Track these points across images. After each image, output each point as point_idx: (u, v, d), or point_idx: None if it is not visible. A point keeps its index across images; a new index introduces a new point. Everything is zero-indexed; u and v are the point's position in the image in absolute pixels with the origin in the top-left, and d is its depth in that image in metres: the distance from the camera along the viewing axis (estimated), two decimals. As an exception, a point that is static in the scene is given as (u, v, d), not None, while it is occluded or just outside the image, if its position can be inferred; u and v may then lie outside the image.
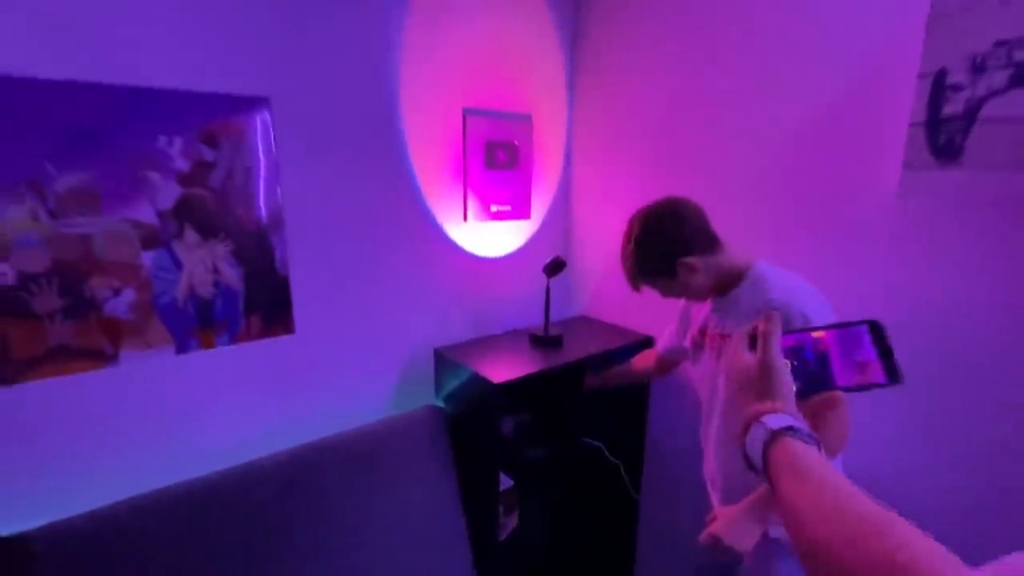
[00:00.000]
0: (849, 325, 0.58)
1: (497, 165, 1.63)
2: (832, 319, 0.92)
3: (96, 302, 1.07)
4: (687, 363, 1.29)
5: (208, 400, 1.24)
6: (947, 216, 1.03)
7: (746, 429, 0.55)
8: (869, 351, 0.56)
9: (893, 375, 0.54)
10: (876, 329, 0.56)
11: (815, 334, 0.59)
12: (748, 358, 0.59)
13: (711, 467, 1.19)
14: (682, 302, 1.26)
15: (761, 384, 0.56)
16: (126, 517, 1.05)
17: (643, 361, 1.44)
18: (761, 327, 0.58)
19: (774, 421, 0.52)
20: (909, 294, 1.08)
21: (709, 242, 1.05)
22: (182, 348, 1.20)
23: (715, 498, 1.18)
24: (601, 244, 1.79)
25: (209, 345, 1.23)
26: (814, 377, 0.57)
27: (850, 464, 1.06)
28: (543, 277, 1.57)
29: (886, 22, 1.06)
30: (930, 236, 1.06)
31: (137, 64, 1.04)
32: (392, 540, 1.32)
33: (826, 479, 0.45)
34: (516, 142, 1.67)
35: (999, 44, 0.92)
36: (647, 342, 1.60)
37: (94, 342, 1.09)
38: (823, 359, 0.57)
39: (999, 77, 0.92)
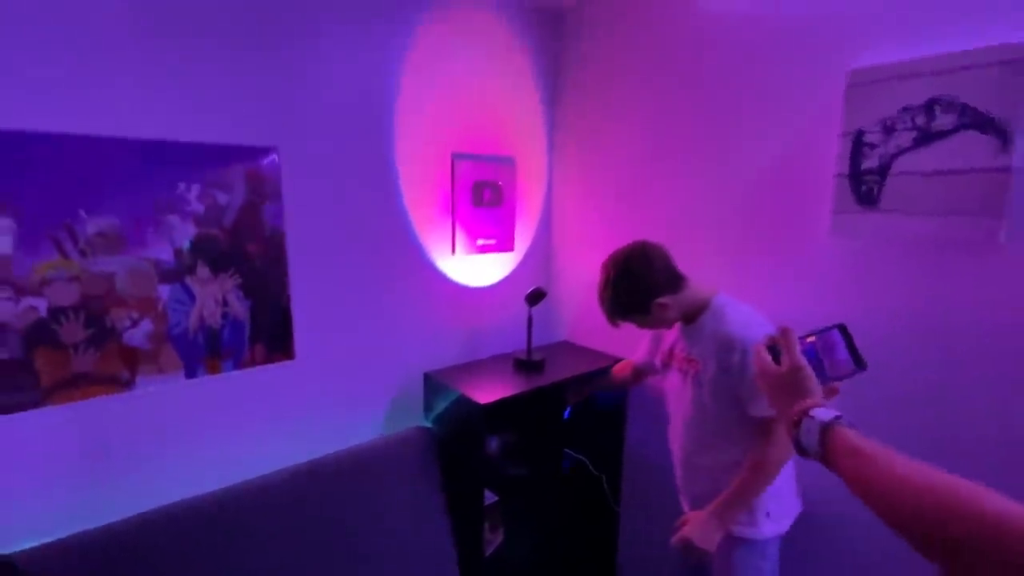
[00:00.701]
0: (827, 330, 0.72)
1: (483, 203, 1.78)
2: None
3: (116, 332, 1.18)
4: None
5: (214, 421, 1.34)
6: (868, 250, 1.19)
7: (795, 424, 0.63)
8: (842, 348, 0.70)
9: (860, 363, 0.69)
10: (844, 330, 0.71)
11: (808, 339, 0.72)
12: (777, 366, 0.70)
13: (679, 476, 1.30)
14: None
15: (795, 384, 0.67)
16: (136, 531, 1.13)
17: (622, 371, 1.58)
18: (783, 339, 0.69)
19: (823, 414, 0.61)
20: (838, 309, 1.23)
21: (675, 281, 1.18)
22: (191, 373, 1.30)
23: (686, 504, 1.30)
24: (579, 274, 1.93)
25: (216, 371, 1.34)
26: (817, 373, 0.69)
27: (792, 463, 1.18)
28: (527, 305, 1.70)
29: (815, 91, 1.24)
30: (854, 265, 1.21)
31: (160, 121, 1.18)
32: (383, 554, 1.41)
33: (890, 457, 0.53)
34: (501, 182, 1.82)
35: (904, 110, 1.09)
36: (623, 365, 1.73)
37: (113, 368, 1.19)
38: (818, 358, 0.70)
39: (905, 137, 1.09)
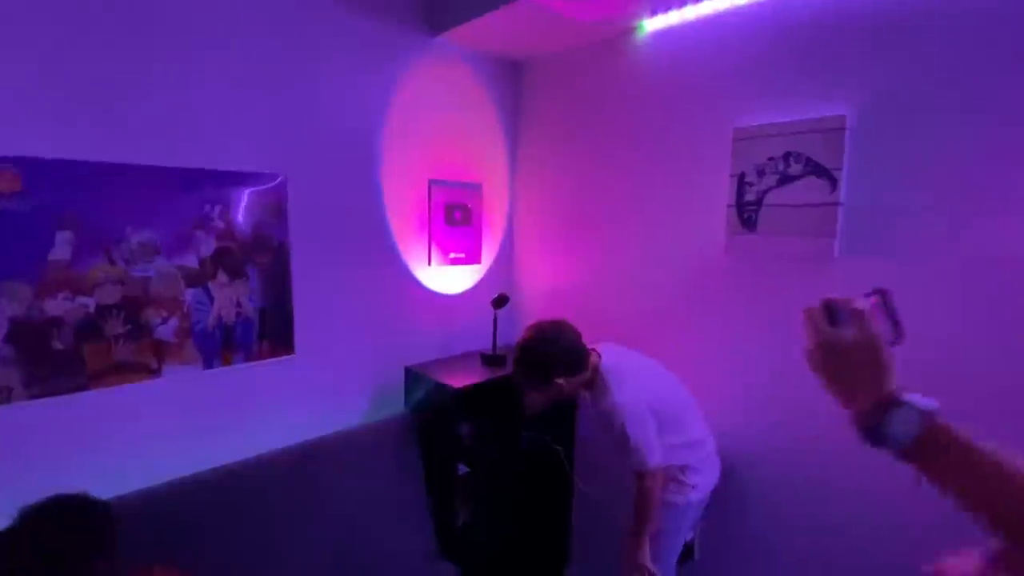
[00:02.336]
0: (870, 295, 0.64)
1: (455, 222, 2.09)
2: (665, 394, 1.45)
3: (149, 327, 1.41)
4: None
5: (226, 406, 1.57)
6: (752, 262, 1.57)
7: (881, 408, 0.53)
8: (881, 318, 0.62)
9: (900, 335, 0.61)
10: (884, 297, 0.62)
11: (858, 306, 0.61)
12: (846, 334, 0.58)
13: None
14: None
15: (872, 358, 0.56)
16: (166, 495, 1.35)
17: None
18: (856, 305, 0.59)
19: (921, 400, 0.52)
20: (731, 308, 1.61)
21: (576, 364, 1.41)
22: (208, 365, 1.53)
23: None
24: (536, 283, 2.26)
25: (229, 363, 1.57)
26: None
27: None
28: (492, 309, 2.00)
29: (712, 142, 1.62)
30: (741, 273, 1.59)
31: (203, 152, 1.43)
32: (370, 522, 1.65)
33: (999, 451, 0.49)
34: (470, 204, 2.14)
35: (770, 159, 1.48)
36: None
37: (145, 359, 1.41)
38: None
39: (771, 179, 1.49)
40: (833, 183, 1.37)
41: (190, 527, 1.34)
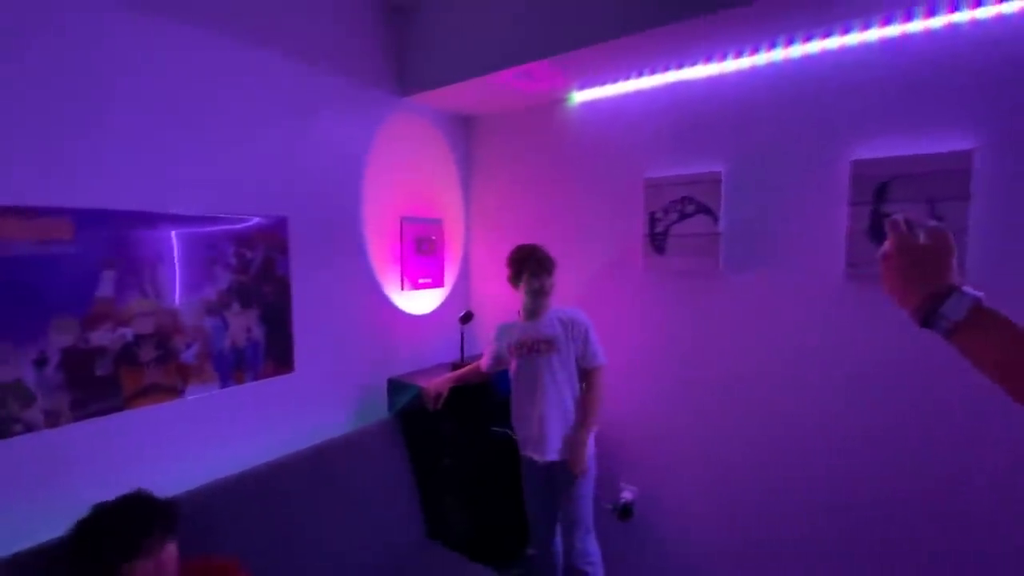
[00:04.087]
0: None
1: (423, 252, 2.43)
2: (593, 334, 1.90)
3: (175, 353, 1.61)
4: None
5: (239, 419, 1.77)
6: (661, 278, 2.09)
7: (941, 296, 0.65)
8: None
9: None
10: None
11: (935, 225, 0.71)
12: (926, 244, 0.69)
13: (540, 428, 1.89)
14: (493, 344, 2.05)
15: (940, 258, 0.68)
16: (201, 498, 1.54)
17: (475, 372, 2.12)
18: (932, 222, 0.71)
19: (972, 291, 0.64)
20: (649, 312, 2.11)
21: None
22: (224, 384, 1.74)
23: (542, 450, 1.91)
24: (490, 303, 2.64)
25: (241, 381, 1.78)
26: None
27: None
28: (457, 326, 2.35)
29: (631, 189, 2.13)
30: (656, 285, 2.10)
31: (220, 203, 1.67)
32: (370, 511, 1.91)
33: None
34: (434, 237, 2.49)
35: (672, 202, 2.02)
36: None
37: (172, 381, 1.60)
38: None
39: (674, 216, 2.02)
40: (715, 219, 1.92)
41: (225, 524, 1.54)
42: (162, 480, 1.54)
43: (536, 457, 1.92)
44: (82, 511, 1.18)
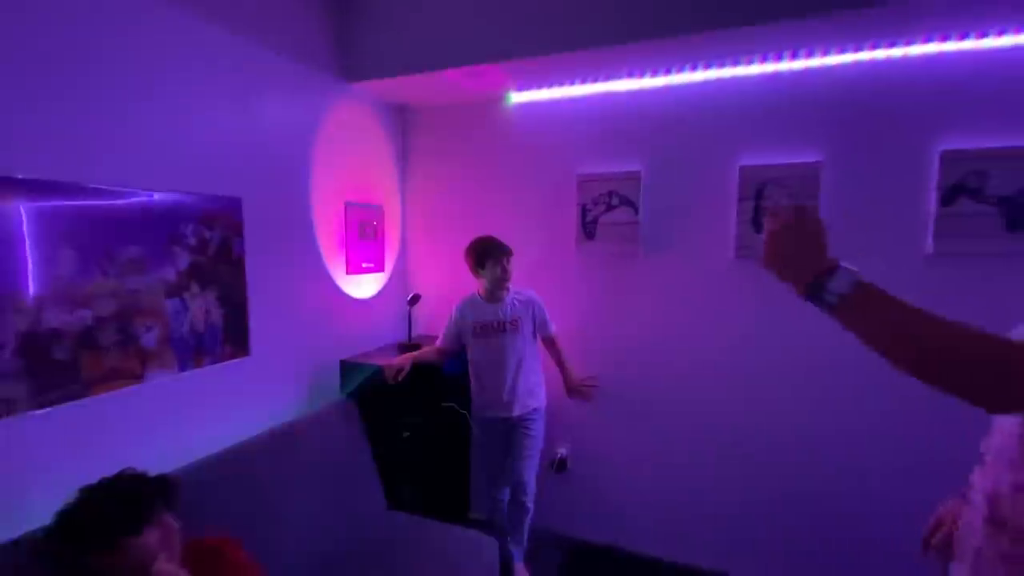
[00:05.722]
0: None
1: (365, 237, 2.49)
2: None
3: (136, 336, 1.54)
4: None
5: (199, 403, 1.73)
6: (591, 260, 2.43)
7: (826, 273, 0.70)
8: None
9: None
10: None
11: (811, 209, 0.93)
12: (805, 227, 0.75)
13: (510, 390, 2.19)
14: (454, 321, 2.24)
15: (819, 240, 0.74)
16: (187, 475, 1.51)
17: (431, 354, 2.30)
18: (798, 206, 0.77)
19: (852, 268, 0.69)
20: (582, 289, 2.44)
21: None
22: (183, 367, 1.68)
23: (511, 408, 2.22)
24: (426, 285, 2.78)
25: (200, 365, 1.74)
26: None
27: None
28: (400, 310, 2.46)
29: (565, 183, 2.43)
30: (589, 268, 2.44)
31: (178, 180, 1.61)
32: (334, 486, 1.97)
33: (906, 303, 0.66)
34: (375, 222, 2.56)
35: (600, 195, 2.36)
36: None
37: (132, 365, 1.53)
38: None
39: (602, 208, 2.36)
40: (636, 210, 2.30)
41: (197, 506, 1.52)
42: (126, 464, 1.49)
43: (503, 414, 2.18)
44: (50, 501, 1.14)
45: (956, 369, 0.63)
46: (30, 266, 1.29)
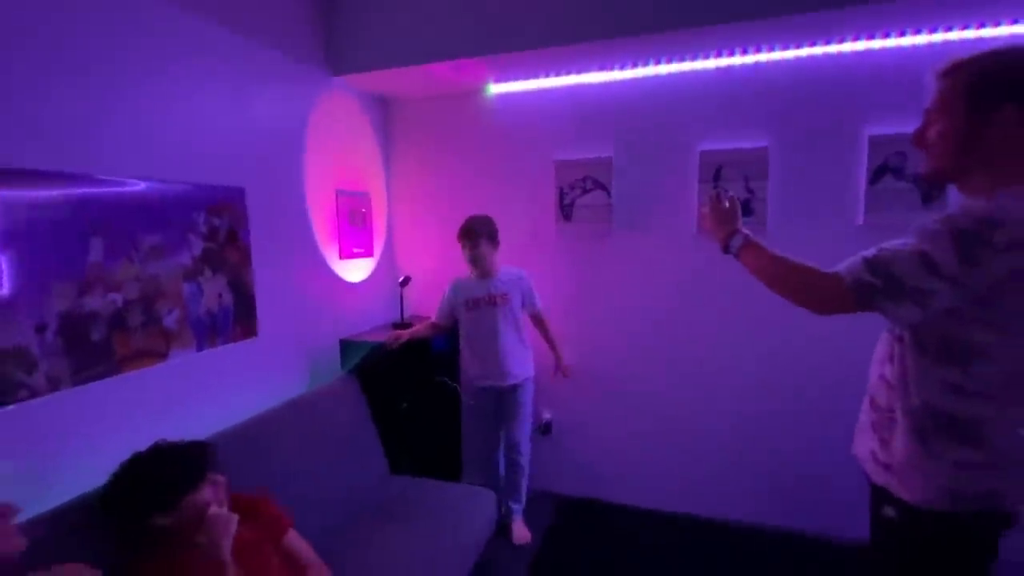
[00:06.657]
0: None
1: (355, 223, 2.62)
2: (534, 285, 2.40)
3: (159, 318, 1.66)
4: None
5: (215, 380, 1.86)
6: (569, 240, 2.64)
7: (731, 236, 1.20)
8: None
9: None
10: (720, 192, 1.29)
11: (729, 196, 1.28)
12: (723, 207, 1.25)
13: (502, 361, 2.42)
14: (447, 299, 2.45)
15: (734, 215, 1.24)
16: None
17: (427, 329, 2.50)
18: (728, 195, 1.27)
19: (746, 231, 1.20)
20: (559, 261, 2.66)
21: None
22: (200, 347, 1.81)
23: (504, 378, 2.45)
24: (414, 268, 2.93)
25: (214, 345, 1.86)
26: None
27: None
28: (390, 292, 2.62)
29: (544, 168, 2.62)
30: (567, 247, 2.65)
31: (188, 171, 1.72)
32: (340, 453, 2.13)
33: (775, 254, 1.11)
34: (364, 209, 2.69)
35: (577, 180, 2.57)
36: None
37: (156, 345, 1.65)
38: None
39: (578, 191, 2.57)
40: (608, 193, 2.52)
41: (224, 469, 1.66)
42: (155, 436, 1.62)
43: (496, 384, 2.38)
44: (96, 471, 1.29)
45: (791, 289, 1.07)
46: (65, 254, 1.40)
